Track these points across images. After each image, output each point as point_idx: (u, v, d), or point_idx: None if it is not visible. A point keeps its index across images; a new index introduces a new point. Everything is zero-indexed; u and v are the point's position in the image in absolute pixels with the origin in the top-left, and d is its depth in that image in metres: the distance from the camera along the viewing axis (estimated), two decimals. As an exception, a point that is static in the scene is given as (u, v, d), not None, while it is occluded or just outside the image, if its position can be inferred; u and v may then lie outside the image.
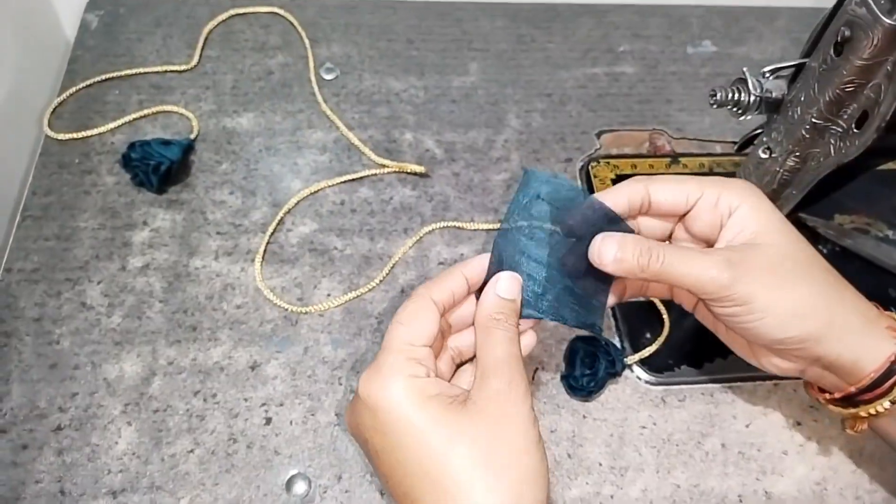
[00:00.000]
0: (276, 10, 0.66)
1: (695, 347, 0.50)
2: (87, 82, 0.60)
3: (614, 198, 0.38)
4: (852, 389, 0.37)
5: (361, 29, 0.67)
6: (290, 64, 0.64)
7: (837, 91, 0.41)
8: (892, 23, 0.37)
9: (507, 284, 0.37)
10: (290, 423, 0.45)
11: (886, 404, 0.36)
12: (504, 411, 0.33)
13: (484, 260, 0.38)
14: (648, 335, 0.50)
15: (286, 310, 0.50)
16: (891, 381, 0.35)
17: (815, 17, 0.43)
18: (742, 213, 0.37)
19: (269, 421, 0.45)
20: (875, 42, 0.38)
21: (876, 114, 0.40)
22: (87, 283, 0.50)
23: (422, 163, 0.58)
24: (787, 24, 0.72)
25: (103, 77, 0.60)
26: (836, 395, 0.38)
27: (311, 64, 0.63)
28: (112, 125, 0.57)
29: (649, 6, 0.72)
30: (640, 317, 0.51)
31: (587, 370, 0.46)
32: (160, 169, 0.53)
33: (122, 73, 0.61)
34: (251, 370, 0.47)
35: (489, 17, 0.69)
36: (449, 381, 0.38)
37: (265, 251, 0.52)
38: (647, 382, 0.49)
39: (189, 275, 0.51)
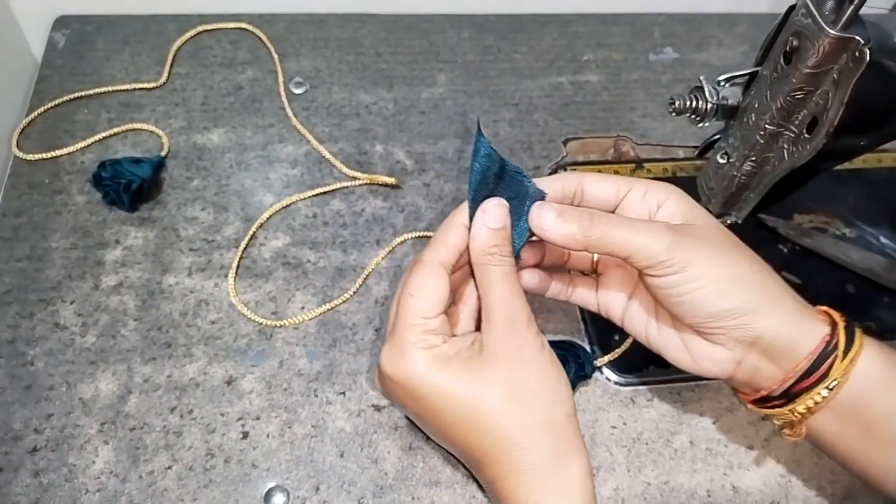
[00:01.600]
0: (244, 25, 0.67)
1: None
2: (56, 101, 0.60)
3: (549, 184, 0.39)
4: (790, 377, 0.37)
5: (330, 43, 0.68)
6: (259, 79, 0.64)
7: (788, 98, 0.43)
8: (836, 33, 0.39)
9: (494, 213, 0.37)
10: (267, 436, 0.46)
11: (824, 392, 0.36)
12: (514, 347, 0.36)
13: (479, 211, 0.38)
14: (617, 337, 0.52)
15: (260, 324, 0.50)
16: (826, 364, 0.36)
17: (773, 22, 0.45)
18: (670, 204, 0.39)
19: (245, 435, 0.46)
20: (821, 51, 0.40)
21: (825, 119, 0.42)
22: (60, 304, 0.50)
23: (393, 174, 0.59)
24: (746, 30, 0.74)
25: (72, 96, 0.60)
26: (775, 388, 0.37)
27: (281, 78, 0.64)
28: (82, 144, 0.58)
29: (612, 15, 0.73)
30: (608, 320, 0.52)
31: None
32: (131, 187, 0.53)
33: (91, 91, 0.61)
34: (227, 385, 0.48)
35: (456, 29, 0.70)
36: (475, 328, 0.40)
37: (238, 266, 0.53)
38: (616, 383, 0.50)
39: (163, 292, 0.51)
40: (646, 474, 0.47)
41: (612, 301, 0.43)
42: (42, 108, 0.60)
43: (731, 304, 0.36)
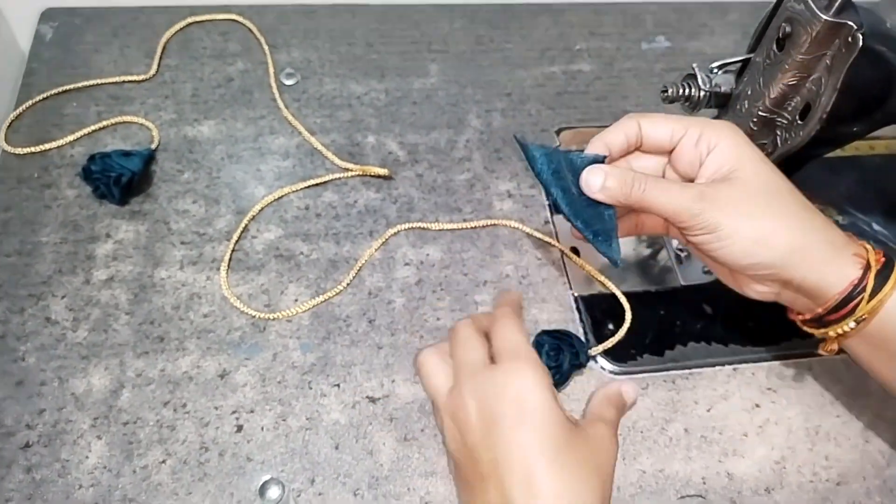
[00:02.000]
0: (234, 17, 0.66)
1: (656, 336, 0.52)
2: (44, 95, 0.59)
3: (612, 135, 0.41)
4: (819, 311, 0.40)
5: (321, 33, 0.67)
6: (249, 70, 0.64)
7: (781, 85, 0.43)
8: (829, 18, 0.39)
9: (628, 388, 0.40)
10: (262, 429, 0.46)
11: (851, 324, 0.39)
12: (605, 445, 0.36)
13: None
14: (611, 326, 0.52)
15: (253, 316, 0.50)
16: (853, 304, 0.38)
17: (765, 10, 0.45)
18: (720, 150, 0.40)
19: (240, 428, 0.46)
20: (814, 37, 0.40)
21: (818, 105, 0.42)
22: (51, 298, 0.50)
23: (385, 165, 0.58)
24: (738, 18, 0.74)
25: (60, 89, 0.60)
26: (808, 316, 0.41)
27: (272, 70, 0.63)
28: (71, 138, 0.57)
29: (605, 4, 0.73)
30: (602, 309, 0.53)
31: (552, 363, 0.47)
32: (121, 181, 0.53)
33: (80, 84, 0.60)
34: (220, 378, 0.47)
35: (448, 19, 0.70)
36: None
37: (230, 259, 0.52)
38: (611, 372, 0.50)
39: (154, 286, 0.51)
40: (641, 462, 0.47)
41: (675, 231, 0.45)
42: (30, 102, 0.59)
43: (755, 260, 0.39)
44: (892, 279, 0.38)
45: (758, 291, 0.42)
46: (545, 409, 0.33)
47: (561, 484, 0.32)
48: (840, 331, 0.40)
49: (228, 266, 0.52)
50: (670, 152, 0.42)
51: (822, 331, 0.41)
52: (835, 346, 0.42)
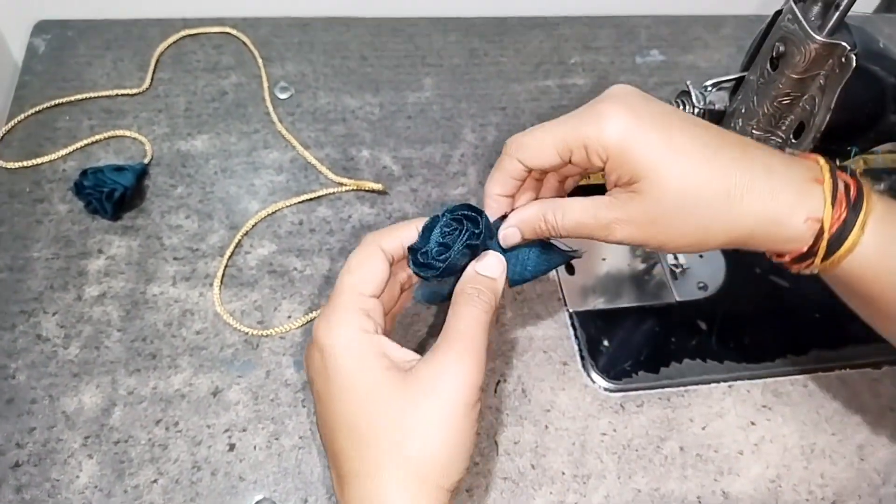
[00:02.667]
0: (228, 30, 0.66)
1: (651, 353, 0.52)
2: (36, 108, 0.59)
3: (496, 185, 0.39)
4: (786, 259, 0.37)
5: (315, 47, 0.67)
6: (243, 84, 0.63)
7: (775, 103, 0.43)
8: (823, 39, 0.39)
9: (488, 263, 0.38)
10: (254, 447, 0.45)
11: (815, 270, 0.37)
12: (438, 387, 0.33)
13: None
14: (606, 343, 0.52)
15: (246, 333, 0.50)
16: (809, 262, 0.36)
17: (759, 24, 0.45)
18: (614, 161, 0.35)
19: (232, 447, 0.45)
20: (807, 57, 0.40)
21: (812, 125, 0.42)
22: (42, 315, 0.49)
23: (379, 180, 0.58)
24: (732, 32, 0.74)
25: (53, 103, 0.60)
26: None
27: (265, 83, 0.63)
28: (63, 152, 0.57)
29: (598, 18, 0.73)
30: (597, 325, 0.52)
31: (442, 241, 0.38)
32: (114, 195, 0.52)
33: (73, 98, 0.60)
34: (213, 396, 0.47)
35: (442, 33, 0.70)
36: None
37: (223, 275, 0.52)
38: (605, 390, 0.50)
39: (147, 302, 0.50)
40: (636, 481, 0.46)
41: None
42: (22, 115, 0.59)
43: (702, 249, 0.37)
44: (862, 215, 0.35)
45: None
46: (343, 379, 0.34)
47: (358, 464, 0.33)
48: (807, 272, 0.37)
49: (221, 282, 0.52)
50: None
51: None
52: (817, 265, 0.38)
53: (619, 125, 0.35)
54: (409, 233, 0.38)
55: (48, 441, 0.44)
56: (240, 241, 0.54)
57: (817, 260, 0.36)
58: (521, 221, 0.39)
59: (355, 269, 0.36)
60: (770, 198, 0.35)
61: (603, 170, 0.36)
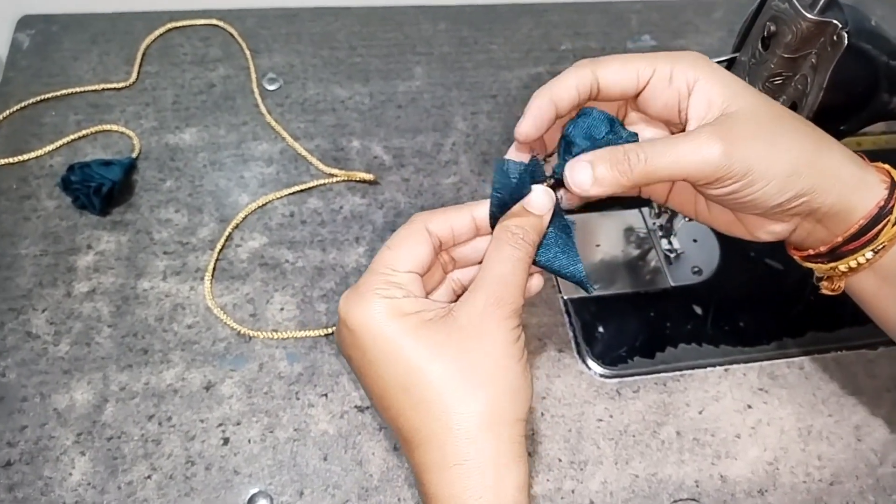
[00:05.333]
0: (214, 22, 0.66)
1: (647, 338, 0.51)
2: (22, 104, 0.58)
3: (561, 90, 0.35)
4: (839, 240, 0.36)
5: (303, 37, 0.66)
6: (231, 76, 0.63)
7: (767, 84, 0.43)
8: (814, 17, 0.38)
9: (538, 198, 0.35)
10: (249, 441, 0.45)
11: (869, 255, 0.36)
12: (483, 328, 0.33)
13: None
14: (601, 329, 0.51)
15: (238, 328, 0.49)
16: (877, 228, 0.35)
17: (750, 6, 0.44)
18: (703, 85, 0.35)
19: (226, 441, 0.45)
20: (798, 36, 0.39)
21: (804, 104, 0.42)
22: (32, 312, 0.49)
23: (371, 170, 0.58)
24: (724, 16, 0.74)
25: (38, 98, 0.59)
26: (822, 250, 0.37)
27: (254, 75, 0.63)
28: (50, 147, 0.56)
29: (587, 3, 0.73)
30: (592, 312, 0.52)
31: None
32: (102, 190, 0.52)
33: (58, 93, 0.59)
34: (206, 390, 0.47)
35: (431, 21, 0.69)
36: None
37: (214, 268, 0.52)
38: (601, 376, 0.50)
39: (137, 297, 0.50)
40: (633, 466, 0.46)
41: (656, 186, 0.40)
42: (7, 111, 0.58)
43: (789, 194, 0.34)
44: None
45: (773, 232, 0.38)
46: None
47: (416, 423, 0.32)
48: (854, 263, 0.36)
49: (213, 276, 0.51)
50: (634, 97, 0.37)
51: (832, 265, 0.37)
52: (841, 284, 0.39)
53: (701, 56, 0.35)
54: (459, 217, 0.36)
55: (40, 439, 0.44)
56: (230, 234, 0.53)
57: (888, 227, 0.35)
58: (597, 156, 0.34)
59: (394, 246, 0.35)
60: (850, 161, 0.35)
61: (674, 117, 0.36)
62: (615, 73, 0.35)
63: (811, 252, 0.38)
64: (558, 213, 0.36)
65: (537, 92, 0.35)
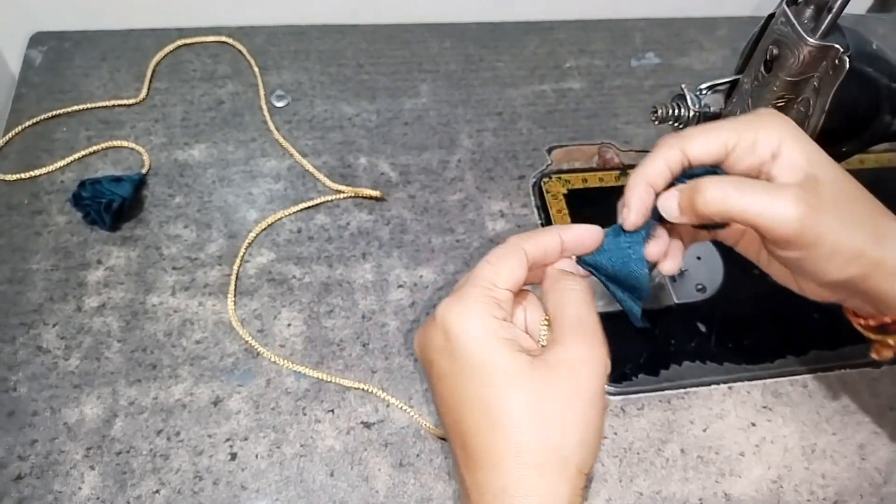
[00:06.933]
0: (224, 39, 0.66)
1: (651, 355, 0.52)
2: (34, 120, 0.59)
3: (654, 174, 0.37)
4: (887, 320, 0.37)
5: (311, 55, 0.67)
6: (240, 93, 0.64)
7: (770, 106, 0.43)
8: (816, 42, 0.39)
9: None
10: (256, 456, 0.45)
11: None
12: (576, 383, 0.33)
13: (583, 229, 0.38)
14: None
15: (246, 342, 0.50)
16: None
17: (754, 26, 0.45)
18: (787, 151, 0.35)
19: (234, 456, 0.45)
20: (801, 60, 0.40)
21: (807, 127, 0.42)
22: (42, 327, 0.49)
23: (377, 186, 0.58)
24: (727, 34, 0.75)
25: (50, 114, 0.60)
26: (872, 323, 0.39)
27: (262, 92, 0.63)
28: (61, 163, 0.57)
29: (593, 21, 0.74)
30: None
31: None
32: (112, 206, 0.53)
33: (70, 109, 0.60)
34: (214, 406, 0.47)
35: (437, 39, 0.70)
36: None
37: (236, 285, 0.52)
38: (606, 393, 0.50)
39: (146, 312, 0.50)
40: (638, 484, 0.47)
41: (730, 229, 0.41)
42: (20, 128, 0.59)
43: (847, 275, 0.35)
44: None
45: (823, 297, 0.39)
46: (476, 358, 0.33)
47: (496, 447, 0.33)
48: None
49: (235, 292, 0.52)
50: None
51: (881, 337, 0.39)
52: (890, 353, 0.39)
53: (782, 117, 0.36)
54: (551, 240, 0.37)
55: (50, 453, 0.44)
56: (244, 252, 0.54)
57: None
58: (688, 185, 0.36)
59: (495, 262, 0.36)
60: None
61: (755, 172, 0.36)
62: (702, 147, 0.36)
63: (862, 322, 0.39)
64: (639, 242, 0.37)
65: (632, 179, 0.37)
